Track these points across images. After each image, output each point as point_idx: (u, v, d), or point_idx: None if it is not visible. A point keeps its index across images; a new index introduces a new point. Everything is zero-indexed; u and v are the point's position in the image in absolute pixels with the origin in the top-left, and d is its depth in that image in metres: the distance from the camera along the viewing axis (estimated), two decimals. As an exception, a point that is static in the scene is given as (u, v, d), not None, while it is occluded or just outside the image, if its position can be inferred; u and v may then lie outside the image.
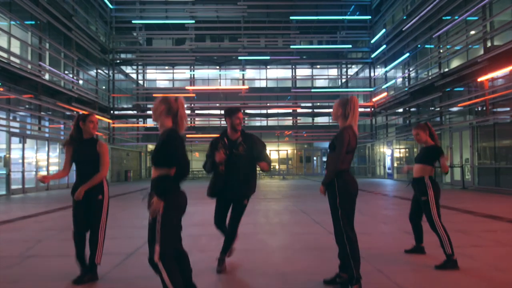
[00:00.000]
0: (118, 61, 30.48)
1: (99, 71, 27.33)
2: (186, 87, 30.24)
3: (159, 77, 35.09)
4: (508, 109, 14.90)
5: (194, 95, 29.97)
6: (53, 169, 19.61)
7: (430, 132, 4.91)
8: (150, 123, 31.82)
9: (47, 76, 19.53)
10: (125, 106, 32.27)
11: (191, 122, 30.24)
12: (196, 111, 30.85)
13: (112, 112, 28.76)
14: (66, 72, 22.44)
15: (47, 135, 19.73)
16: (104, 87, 28.74)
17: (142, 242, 5.89)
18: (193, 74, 32.12)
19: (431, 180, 4.72)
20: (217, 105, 32.21)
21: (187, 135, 28.98)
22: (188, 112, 30.36)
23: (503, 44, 14.26)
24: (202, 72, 34.21)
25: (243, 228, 6.98)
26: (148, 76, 34.77)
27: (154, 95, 30.63)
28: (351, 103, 3.66)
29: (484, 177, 15.82)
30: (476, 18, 16.72)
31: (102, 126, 27.08)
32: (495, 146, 15.20)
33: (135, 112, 30.85)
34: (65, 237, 5.72)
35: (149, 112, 32.17)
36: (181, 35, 31.16)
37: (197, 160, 35.37)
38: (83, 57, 24.03)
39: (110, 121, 28.13)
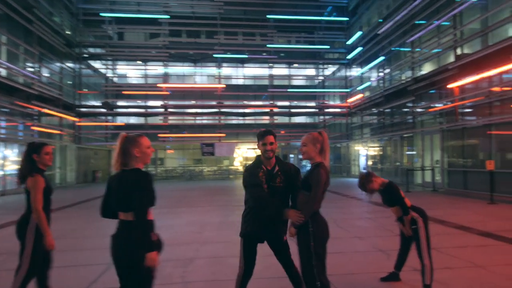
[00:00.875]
0: (85, 56, 29.54)
1: (64, 66, 26.10)
2: (158, 84, 29.72)
3: (130, 73, 34.34)
4: (474, 117, 15.37)
5: (167, 92, 29.52)
6: (11, 172, 18.37)
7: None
8: (120, 121, 31.19)
9: (3, 72, 18.44)
10: (94, 103, 31.40)
11: (164, 121, 29.83)
12: (170, 110, 30.41)
13: (78, 109, 27.72)
14: (27, 67, 21.15)
15: (3, 136, 18.72)
16: (70, 83, 27.54)
17: (102, 270, 5.51)
18: (167, 71, 31.65)
19: (414, 209, 4.67)
20: (193, 103, 31.90)
21: (159, 135, 28.58)
22: (161, 110, 30.08)
23: (472, 52, 14.67)
24: (177, 69, 33.75)
25: (213, 248, 6.93)
26: (119, 72, 33.97)
27: (124, 92, 30.10)
28: (326, 139, 3.55)
29: (453, 179, 16.29)
30: (448, 23, 17.14)
31: (67, 124, 25.98)
32: (464, 150, 15.68)
33: (104, 110, 29.77)
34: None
35: (120, 110, 31.66)
36: (155, 30, 30.57)
37: (171, 157, 35.05)
38: (45, 52, 22.83)
39: (76, 119, 27.10)
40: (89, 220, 10.19)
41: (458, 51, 15.82)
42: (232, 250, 6.48)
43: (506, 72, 13.20)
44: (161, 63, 31.16)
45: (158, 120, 30.28)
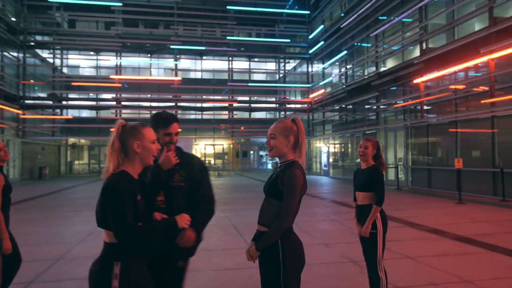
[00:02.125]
0: (31, 44, 27.18)
1: (6, 54, 23.79)
2: (111, 76, 27.86)
3: (81, 64, 32.13)
4: (439, 114, 15.02)
5: (120, 84, 27.73)
6: None
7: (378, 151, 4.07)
8: (70, 114, 29.06)
9: None
10: (42, 95, 29.05)
11: (116, 115, 28.05)
12: (123, 103, 28.65)
13: (22, 101, 25.46)
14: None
15: None
16: (12, 73, 25.18)
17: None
18: (120, 62, 29.77)
19: (381, 210, 3.90)
20: (148, 96, 30.28)
21: (111, 129, 26.72)
22: (114, 103, 28.28)
23: (439, 47, 14.26)
24: (131, 61, 31.89)
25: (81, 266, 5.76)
26: (70, 62, 31.71)
27: (73, 83, 28.06)
28: (302, 129, 2.54)
29: (417, 178, 15.93)
30: (410, 20, 16.79)
31: (10, 116, 23.81)
32: (428, 147, 15.31)
33: (50, 102, 27.58)
34: None
35: (71, 103, 29.53)
36: (107, 18, 28.62)
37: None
38: (-17, 39, 20.53)
39: (19, 111, 24.83)
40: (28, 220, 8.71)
41: (424, 46, 15.40)
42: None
43: (473, 67, 12.84)
44: (114, 54, 29.27)
45: (110, 114, 28.48)
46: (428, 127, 15.16)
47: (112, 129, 2.23)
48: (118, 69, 29.01)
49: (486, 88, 12.42)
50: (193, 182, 2.73)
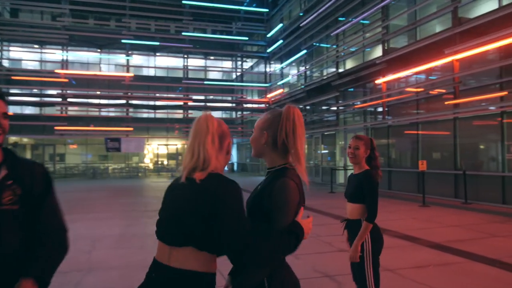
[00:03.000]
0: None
1: None
2: (56, 71, 25.85)
3: (25, 57, 29.70)
4: (401, 115, 14.92)
5: (66, 80, 25.82)
6: None
7: (373, 151, 3.34)
8: (11, 111, 26.68)
9: None
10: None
11: (62, 112, 26.12)
12: (70, 99, 26.72)
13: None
14: None
15: None
16: None
17: None
18: (67, 56, 27.76)
19: (373, 227, 3.15)
20: (97, 93, 28.48)
21: (56, 127, 24.93)
22: (59, 99, 26.32)
23: (401, 47, 14.12)
24: (80, 55, 29.87)
25: (103, 278, 4.98)
26: (12, 55, 29.22)
27: (14, 77, 25.79)
28: (299, 122, 1.76)
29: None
30: (367, 22, 16.67)
31: None
32: (389, 149, 15.17)
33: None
34: None
35: (12, 98, 27.14)
36: (53, 8, 26.55)
37: (73, 153, 31.15)
38: None
39: None
40: None
41: (386, 46, 15.24)
42: (129, 282, 4.57)
43: (436, 68, 12.75)
44: (60, 47, 27.22)
45: (55, 111, 26.47)
46: (389, 129, 15.01)
47: None
48: (64, 63, 27.01)
49: (443, 91, 12.39)
50: (32, 204, 1.74)
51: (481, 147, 11.75)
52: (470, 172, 10.96)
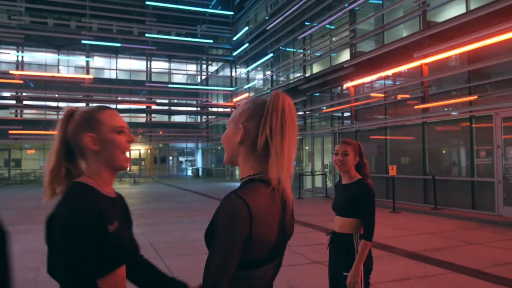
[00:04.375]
0: None
1: None
2: (11, 71, 24.34)
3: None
4: (368, 120, 14.81)
5: (21, 81, 24.35)
6: None
7: (361, 158, 2.95)
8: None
9: None
10: None
11: (16, 115, 24.57)
12: (25, 102, 25.20)
13: None
14: None
15: None
16: None
17: None
18: (22, 56, 26.19)
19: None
20: (56, 95, 27.07)
21: (11, 131, 23.43)
22: (13, 102, 24.81)
23: (369, 51, 14.02)
24: (37, 56, 28.27)
25: None
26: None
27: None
28: (288, 112, 1.24)
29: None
30: (333, 27, 16.55)
31: None
32: (357, 154, 15.00)
33: None
34: None
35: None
36: (8, 6, 25.03)
37: (31, 158, 29.38)
38: None
39: None
40: None
41: (354, 50, 15.12)
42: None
43: (405, 72, 12.69)
44: (15, 47, 25.62)
45: (9, 114, 24.88)
46: (356, 133, 14.85)
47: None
48: (19, 64, 25.45)
49: (408, 96, 12.34)
50: None
51: (450, 151, 11.72)
52: (439, 177, 10.88)
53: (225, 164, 1.47)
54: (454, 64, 11.25)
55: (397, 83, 13.45)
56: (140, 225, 9.14)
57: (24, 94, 25.11)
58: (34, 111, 26.93)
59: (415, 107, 11.73)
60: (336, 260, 2.87)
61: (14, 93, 24.73)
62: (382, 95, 13.63)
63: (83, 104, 26.45)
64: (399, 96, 13.10)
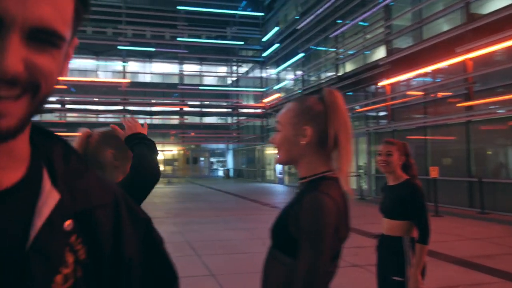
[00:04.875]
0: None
1: None
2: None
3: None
4: (406, 119, 14.26)
5: (65, 87, 25.18)
6: None
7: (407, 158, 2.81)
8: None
9: None
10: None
11: (60, 118, 25.47)
12: (68, 106, 26.11)
13: None
14: None
15: None
16: None
17: None
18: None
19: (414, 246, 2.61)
20: (95, 99, 27.84)
21: (55, 134, 24.24)
22: (58, 106, 25.70)
23: (406, 47, 13.48)
24: (78, 62, 29.19)
25: None
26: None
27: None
28: (340, 111, 1.30)
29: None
30: (366, 24, 16.06)
31: None
32: (394, 155, 14.48)
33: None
34: None
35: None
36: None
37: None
38: None
39: None
40: None
41: (389, 46, 14.62)
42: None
43: (445, 69, 12.09)
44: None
45: (54, 117, 25.80)
46: (393, 133, 14.31)
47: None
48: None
49: (450, 94, 11.75)
50: None
51: (498, 152, 11.04)
52: (487, 180, 10.23)
53: (279, 164, 1.38)
54: (501, 59, 10.58)
55: (437, 80, 12.82)
56: (176, 224, 9.25)
57: (67, 98, 25.99)
58: (75, 114, 27.81)
59: (458, 105, 11.13)
60: (384, 263, 2.76)
61: (58, 98, 25.66)
62: (421, 93, 13.07)
63: (121, 107, 27.14)
64: (440, 94, 12.51)
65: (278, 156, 1.41)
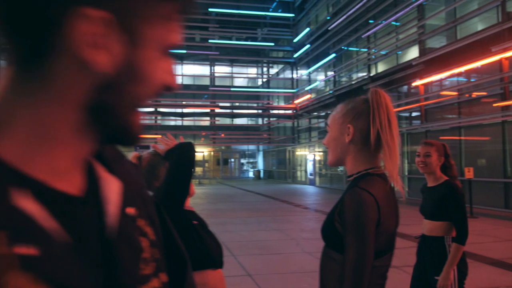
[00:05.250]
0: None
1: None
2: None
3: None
4: (440, 119, 14.08)
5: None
6: None
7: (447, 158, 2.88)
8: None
9: None
10: None
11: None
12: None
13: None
14: None
15: None
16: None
17: None
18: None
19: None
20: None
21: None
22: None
23: (440, 47, 13.33)
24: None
25: None
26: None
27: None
28: (386, 111, 1.36)
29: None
30: (398, 24, 15.93)
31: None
32: (427, 156, 14.31)
33: None
34: None
35: None
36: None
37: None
38: None
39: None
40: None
41: (423, 46, 14.47)
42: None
43: (479, 68, 11.90)
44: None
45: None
46: (426, 133, 14.17)
47: None
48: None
49: (484, 93, 11.53)
50: None
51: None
52: (523, 180, 10.05)
53: (330, 166, 1.52)
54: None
55: (472, 80, 12.62)
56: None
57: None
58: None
59: (494, 105, 10.94)
60: (425, 264, 2.82)
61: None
62: (455, 93, 12.90)
63: (152, 109, 27.83)
64: (474, 94, 12.31)
65: (329, 161, 1.51)
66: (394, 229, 1.40)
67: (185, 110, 29.58)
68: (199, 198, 16.73)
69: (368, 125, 1.35)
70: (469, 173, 10.19)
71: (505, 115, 10.58)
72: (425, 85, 14.08)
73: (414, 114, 15.27)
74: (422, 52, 14.09)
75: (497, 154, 11.17)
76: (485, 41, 10.94)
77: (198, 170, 32.88)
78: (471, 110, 12.49)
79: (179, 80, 30.59)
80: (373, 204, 1.28)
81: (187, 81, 31.65)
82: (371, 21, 17.75)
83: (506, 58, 10.42)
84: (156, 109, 27.79)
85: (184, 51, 28.17)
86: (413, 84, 14.31)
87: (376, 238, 1.29)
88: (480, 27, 12.29)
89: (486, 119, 11.42)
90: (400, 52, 16.23)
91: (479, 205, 10.96)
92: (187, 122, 30.46)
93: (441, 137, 13.43)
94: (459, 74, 12.74)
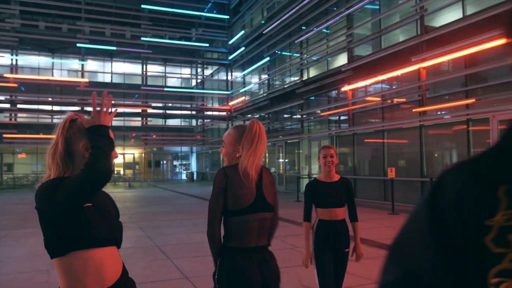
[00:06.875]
0: None
1: None
2: (5, 75, 24.24)
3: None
4: (365, 123, 14.97)
5: (15, 85, 24.23)
6: None
7: None
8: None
9: None
10: None
11: (11, 119, 24.47)
12: (19, 106, 25.07)
13: None
14: None
15: None
16: None
17: None
18: (16, 60, 26.05)
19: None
20: (49, 99, 26.91)
21: (5, 135, 23.31)
22: (8, 105, 24.72)
23: (367, 55, 14.20)
24: (31, 59, 28.12)
25: None
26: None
27: None
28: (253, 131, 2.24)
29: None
30: (328, 31, 16.74)
31: None
32: (354, 157, 15.16)
33: None
34: None
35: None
36: (1, 9, 24.88)
37: (22, 163, 29.12)
38: None
39: None
40: None
41: (351, 54, 15.29)
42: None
43: (402, 76, 12.86)
44: (9, 50, 25.48)
45: (3, 118, 24.77)
46: (354, 136, 15.00)
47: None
48: (13, 67, 25.34)
49: (404, 100, 12.51)
50: None
51: (447, 154, 11.90)
52: (437, 179, 11.00)
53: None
54: (451, 68, 11.45)
55: (394, 87, 13.63)
56: (143, 228, 9.19)
57: (18, 97, 24.97)
58: (27, 115, 26.76)
59: (413, 110, 11.90)
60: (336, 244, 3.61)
61: (8, 97, 24.63)
62: (379, 99, 13.81)
63: (78, 108, 26.42)
64: (396, 100, 13.28)
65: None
66: (257, 198, 2.15)
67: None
68: (129, 201, 16.19)
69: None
70: (391, 173, 10.96)
71: (423, 119, 11.55)
72: (352, 90, 14.90)
73: (342, 117, 16.06)
74: (350, 59, 14.92)
75: (415, 156, 12.15)
76: (406, 52, 11.88)
77: (128, 172, 31.77)
78: (393, 115, 13.46)
79: (108, 78, 29.41)
80: (222, 175, 2.16)
81: (117, 80, 30.46)
82: (304, 28, 18.43)
83: (424, 68, 11.40)
84: (82, 108, 26.45)
85: (114, 48, 27.09)
86: (342, 89, 15.09)
87: (231, 201, 2.12)
88: (401, 38, 13.32)
89: (405, 123, 12.37)
90: (330, 59, 17.01)
91: (400, 202, 11.85)
92: (117, 122, 29.25)
93: (366, 140, 14.32)
94: (383, 81, 13.69)
